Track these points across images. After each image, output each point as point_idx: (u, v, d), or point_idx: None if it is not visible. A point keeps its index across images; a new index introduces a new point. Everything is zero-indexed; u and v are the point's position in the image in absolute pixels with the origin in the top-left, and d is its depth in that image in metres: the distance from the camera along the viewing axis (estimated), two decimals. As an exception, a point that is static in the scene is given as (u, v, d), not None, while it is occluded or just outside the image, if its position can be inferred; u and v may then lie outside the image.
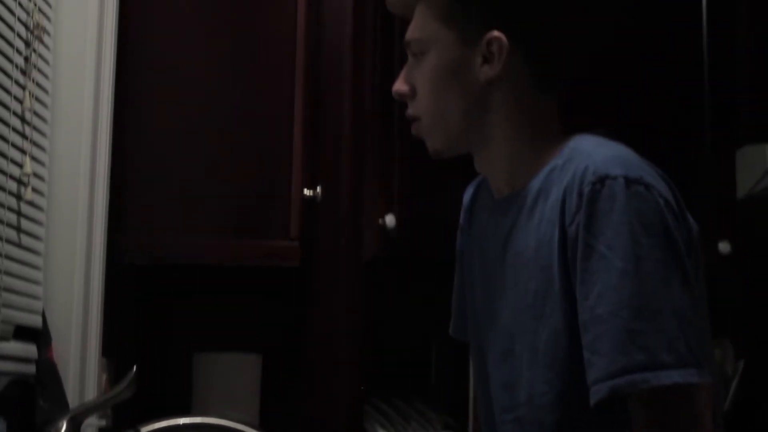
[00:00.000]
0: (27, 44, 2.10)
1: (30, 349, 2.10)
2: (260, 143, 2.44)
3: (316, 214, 2.50)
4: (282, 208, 2.42)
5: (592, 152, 1.38)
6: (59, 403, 2.11)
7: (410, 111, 1.53)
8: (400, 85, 1.53)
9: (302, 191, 2.40)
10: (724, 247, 2.77)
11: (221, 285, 2.69)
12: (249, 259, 2.45)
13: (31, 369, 2.11)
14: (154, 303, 2.67)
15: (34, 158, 2.12)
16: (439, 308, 2.97)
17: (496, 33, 1.43)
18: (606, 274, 1.30)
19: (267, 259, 2.44)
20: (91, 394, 2.24)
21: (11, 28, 2.02)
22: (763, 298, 3.02)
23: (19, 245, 2.06)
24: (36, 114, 2.14)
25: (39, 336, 2.13)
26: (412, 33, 1.51)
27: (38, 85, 2.15)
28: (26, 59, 2.09)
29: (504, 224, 1.48)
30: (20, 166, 2.06)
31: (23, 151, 2.07)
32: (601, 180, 1.32)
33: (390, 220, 2.48)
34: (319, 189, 2.47)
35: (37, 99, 2.15)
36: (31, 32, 2.11)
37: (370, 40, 2.55)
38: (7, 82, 2.00)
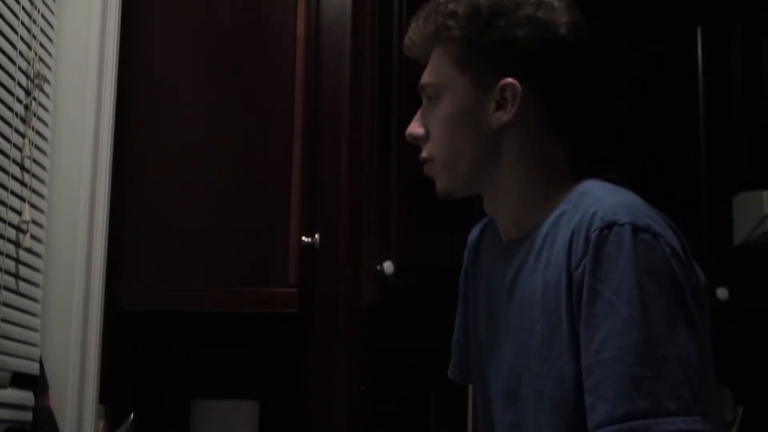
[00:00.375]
0: (27, 93, 2.11)
1: (27, 397, 2.10)
2: (259, 190, 2.45)
3: (315, 260, 2.50)
4: (280, 255, 2.42)
5: (601, 198, 1.38)
6: (56, 451, 2.11)
7: (424, 153, 1.54)
8: (414, 128, 1.55)
9: (300, 238, 2.41)
10: (722, 293, 2.77)
11: (219, 332, 2.69)
12: (247, 305, 2.45)
13: (28, 416, 2.10)
14: (152, 350, 2.67)
15: (33, 205, 2.13)
16: (436, 354, 2.97)
17: (510, 79, 1.45)
18: (611, 320, 1.29)
19: (265, 306, 2.44)
20: (88, 441, 2.23)
21: (12, 77, 2.03)
22: (761, 345, 3.01)
23: (17, 292, 2.06)
24: (35, 162, 2.16)
25: (36, 383, 2.13)
26: (427, 77, 1.52)
27: (38, 133, 2.16)
28: (26, 107, 2.10)
29: (511, 267, 1.48)
30: (19, 213, 2.07)
31: (22, 199, 2.08)
32: (609, 226, 1.32)
33: (388, 266, 2.49)
34: (317, 236, 2.47)
35: (37, 147, 2.16)
36: (32, 81, 2.13)
37: (368, 89, 2.57)
38: (7, 131, 2.01)
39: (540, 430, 1.40)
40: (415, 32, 1.54)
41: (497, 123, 1.46)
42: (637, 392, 1.26)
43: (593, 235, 1.33)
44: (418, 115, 1.55)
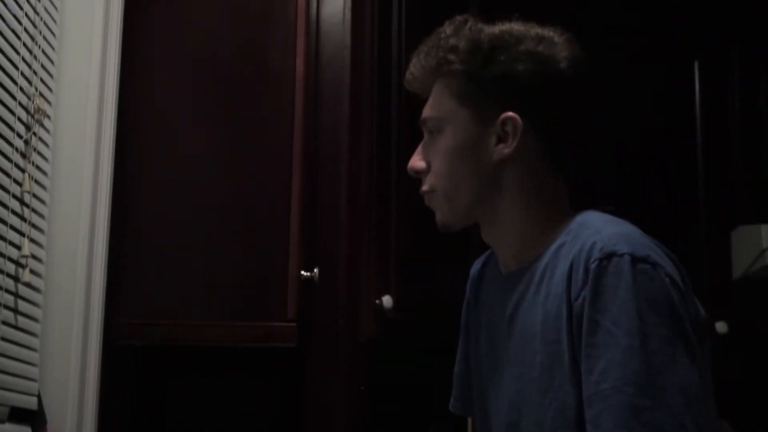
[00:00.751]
0: (28, 128, 2.12)
1: (25, 431, 2.09)
2: (258, 225, 2.45)
3: (314, 295, 2.50)
4: (279, 290, 2.42)
5: (600, 228, 1.39)
6: (54, 486, 2.10)
7: (425, 186, 1.55)
8: (416, 162, 1.55)
9: (300, 272, 2.41)
10: (721, 327, 2.77)
11: (219, 366, 2.68)
12: (247, 340, 2.45)
13: (26, 451, 2.10)
14: (151, 384, 2.66)
15: (32, 240, 2.14)
16: (435, 388, 2.97)
17: (511, 113, 1.46)
18: (611, 350, 1.29)
19: (265, 340, 2.44)
20: (86, 476, 2.22)
21: (12, 112, 2.05)
22: (760, 378, 3.00)
23: (16, 326, 2.06)
24: (35, 196, 2.16)
25: (34, 418, 2.12)
26: (428, 111, 1.54)
27: (38, 167, 2.17)
28: (26, 142, 2.11)
29: (511, 299, 1.49)
30: (19, 247, 2.07)
31: (22, 233, 2.09)
32: (608, 257, 1.32)
33: (387, 300, 2.48)
34: (316, 270, 2.47)
35: (37, 181, 2.17)
36: (32, 116, 2.14)
37: (367, 123, 2.58)
38: (7, 165, 2.02)
39: None
40: (416, 66, 1.55)
41: (498, 156, 1.47)
42: (637, 422, 1.26)
43: (593, 266, 1.33)
44: (419, 149, 1.56)
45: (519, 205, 1.49)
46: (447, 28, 1.53)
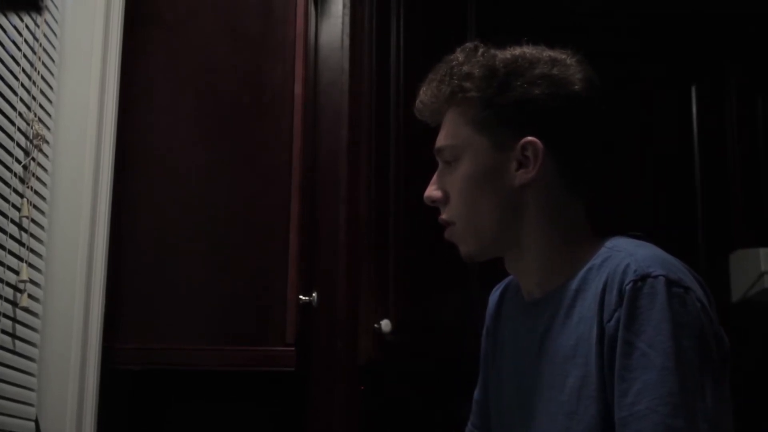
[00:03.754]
0: (26, 153, 2.13)
1: (23, 457, 2.09)
2: (256, 249, 2.45)
3: (312, 319, 2.50)
4: (278, 314, 2.42)
5: (633, 252, 1.39)
6: None
7: (444, 216, 1.53)
8: (432, 191, 1.54)
9: (298, 296, 2.41)
10: (719, 350, 2.76)
11: (217, 391, 2.68)
12: (245, 364, 2.44)
13: (24, 477, 2.09)
14: (149, 409, 2.66)
15: (31, 265, 2.14)
16: (434, 411, 2.96)
17: (531, 138, 1.45)
18: (646, 372, 1.29)
19: (263, 365, 2.43)
20: (83, 502, 2.21)
21: (11, 138, 2.05)
22: (759, 402, 3.00)
23: (13, 351, 2.06)
24: (34, 221, 2.16)
25: (32, 443, 2.12)
26: (444, 140, 1.52)
27: (36, 193, 2.17)
28: (25, 168, 2.12)
29: (539, 325, 1.48)
30: (17, 272, 2.07)
31: (20, 258, 2.09)
32: (643, 278, 1.33)
33: (386, 324, 2.49)
34: (315, 294, 2.47)
35: (35, 207, 2.17)
36: (31, 142, 2.14)
37: (366, 147, 2.59)
38: (5, 191, 2.03)
39: None
40: (427, 95, 1.54)
41: (520, 182, 1.47)
42: None
43: (627, 288, 1.33)
44: (435, 178, 1.54)
45: (544, 229, 1.48)
46: (459, 55, 1.53)
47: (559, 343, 1.43)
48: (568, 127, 1.48)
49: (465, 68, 1.50)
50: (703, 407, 1.28)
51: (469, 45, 1.54)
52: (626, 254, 1.38)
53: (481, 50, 1.52)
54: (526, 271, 1.52)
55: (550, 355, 1.45)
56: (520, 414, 1.51)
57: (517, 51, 1.51)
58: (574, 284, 1.43)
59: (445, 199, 1.52)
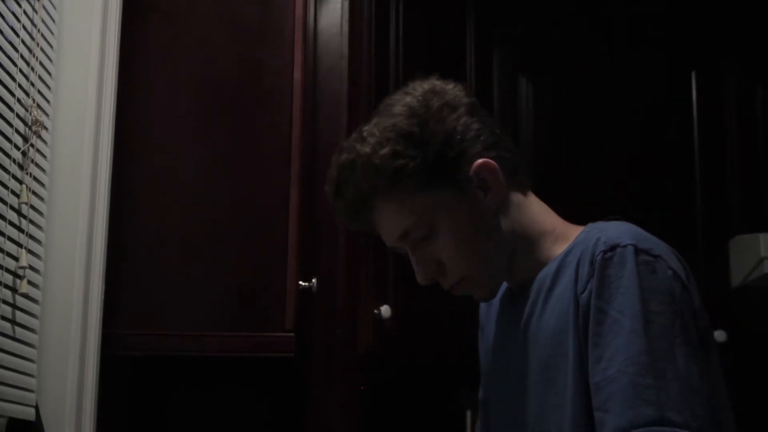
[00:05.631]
0: (25, 139, 2.13)
1: (23, 443, 2.10)
2: (256, 236, 2.45)
3: (312, 305, 2.50)
4: (278, 300, 2.42)
5: (605, 228, 1.42)
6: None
7: (451, 282, 1.51)
8: (426, 272, 1.50)
9: (298, 283, 2.41)
10: (719, 335, 2.77)
11: (216, 377, 2.68)
12: (244, 350, 2.44)
13: (24, 463, 2.10)
14: (149, 395, 2.66)
15: (30, 251, 2.14)
16: (434, 398, 2.97)
17: (477, 161, 1.46)
18: (617, 337, 1.32)
19: (262, 351, 2.44)
20: (84, 488, 2.22)
21: (10, 124, 2.05)
22: (759, 387, 3.01)
23: (13, 338, 2.06)
24: (33, 208, 2.16)
25: (32, 429, 2.12)
26: (405, 222, 1.48)
27: (36, 179, 2.17)
28: (24, 154, 2.12)
29: (522, 313, 1.50)
30: (16, 259, 2.07)
31: (20, 245, 2.09)
32: (612, 248, 1.36)
33: (385, 310, 2.49)
34: (314, 281, 2.47)
35: (35, 193, 2.17)
36: (30, 128, 2.14)
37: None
38: (4, 177, 2.03)
39: None
40: (350, 205, 1.51)
41: (495, 204, 1.48)
42: (641, 400, 1.28)
43: (598, 258, 1.36)
44: (417, 261, 1.51)
45: (531, 233, 1.51)
46: (354, 150, 1.48)
47: (541, 325, 1.45)
48: (488, 134, 1.49)
49: (383, 151, 1.45)
50: (674, 368, 1.29)
51: (347, 146, 1.51)
52: (599, 230, 1.42)
53: (367, 133, 1.48)
54: (516, 270, 1.53)
55: (534, 339, 1.47)
56: (513, 402, 1.52)
57: (397, 108, 1.48)
58: (552, 267, 1.46)
59: (442, 269, 1.50)
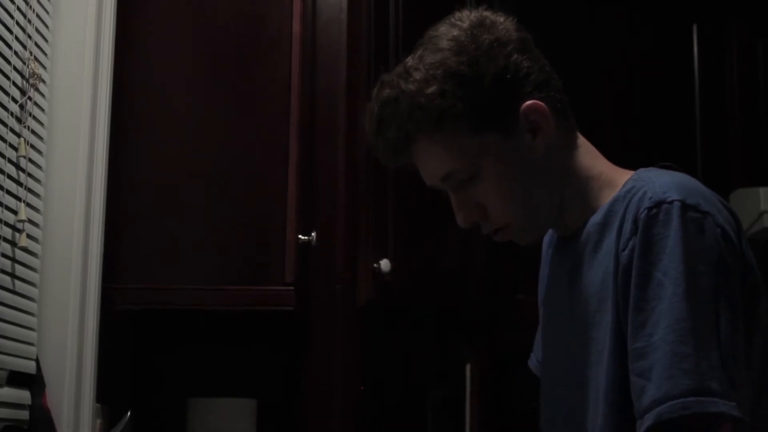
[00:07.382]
0: (23, 92, 2.12)
1: (23, 395, 2.10)
2: (255, 189, 2.45)
3: (312, 259, 2.50)
4: (277, 254, 2.42)
5: (653, 179, 1.35)
6: (53, 450, 2.11)
7: (492, 226, 1.46)
8: (467, 216, 1.45)
9: (297, 236, 2.41)
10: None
11: (216, 330, 2.69)
12: (244, 304, 2.45)
13: (25, 415, 2.10)
14: (149, 348, 2.67)
15: (29, 205, 2.13)
16: (434, 355, 2.98)
17: (526, 102, 1.40)
18: (662, 302, 1.26)
19: (262, 304, 2.44)
20: (85, 440, 2.23)
21: (7, 77, 2.04)
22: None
23: (13, 291, 2.06)
24: (31, 161, 2.16)
25: (33, 382, 2.13)
26: (448, 164, 1.42)
27: (34, 132, 2.16)
28: (22, 107, 2.11)
29: (567, 263, 1.46)
30: (15, 212, 2.07)
31: (18, 198, 2.09)
32: (658, 204, 1.29)
33: (385, 264, 2.49)
34: (314, 234, 2.47)
35: (33, 146, 2.17)
36: (27, 80, 2.13)
37: (364, 89, 2.57)
38: (2, 130, 2.02)
39: (596, 421, 1.37)
40: (393, 142, 1.43)
41: (544, 147, 1.42)
42: (679, 370, 1.24)
43: (642, 215, 1.30)
44: (458, 204, 1.46)
45: (579, 178, 1.45)
46: (400, 87, 1.40)
47: (588, 279, 1.40)
48: (538, 72, 1.43)
49: (429, 90, 1.38)
50: (715, 336, 1.25)
51: (389, 81, 1.43)
52: (646, 182, 1.35)
53: (412, 68, 1.40)
54: (559, 216, 1.48)
55: (578, 293, 1.42)
56: (557, 354, 1.50)
57: (443, 42, 1.41)
58: (599, 218, 1.40)
59: (484, 214, 1.45)
